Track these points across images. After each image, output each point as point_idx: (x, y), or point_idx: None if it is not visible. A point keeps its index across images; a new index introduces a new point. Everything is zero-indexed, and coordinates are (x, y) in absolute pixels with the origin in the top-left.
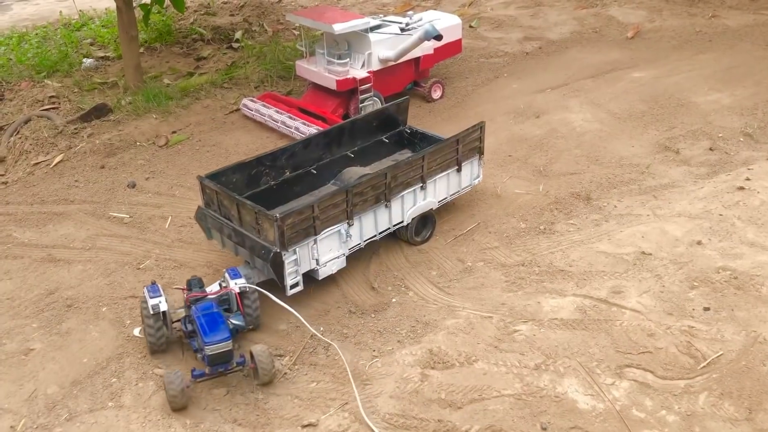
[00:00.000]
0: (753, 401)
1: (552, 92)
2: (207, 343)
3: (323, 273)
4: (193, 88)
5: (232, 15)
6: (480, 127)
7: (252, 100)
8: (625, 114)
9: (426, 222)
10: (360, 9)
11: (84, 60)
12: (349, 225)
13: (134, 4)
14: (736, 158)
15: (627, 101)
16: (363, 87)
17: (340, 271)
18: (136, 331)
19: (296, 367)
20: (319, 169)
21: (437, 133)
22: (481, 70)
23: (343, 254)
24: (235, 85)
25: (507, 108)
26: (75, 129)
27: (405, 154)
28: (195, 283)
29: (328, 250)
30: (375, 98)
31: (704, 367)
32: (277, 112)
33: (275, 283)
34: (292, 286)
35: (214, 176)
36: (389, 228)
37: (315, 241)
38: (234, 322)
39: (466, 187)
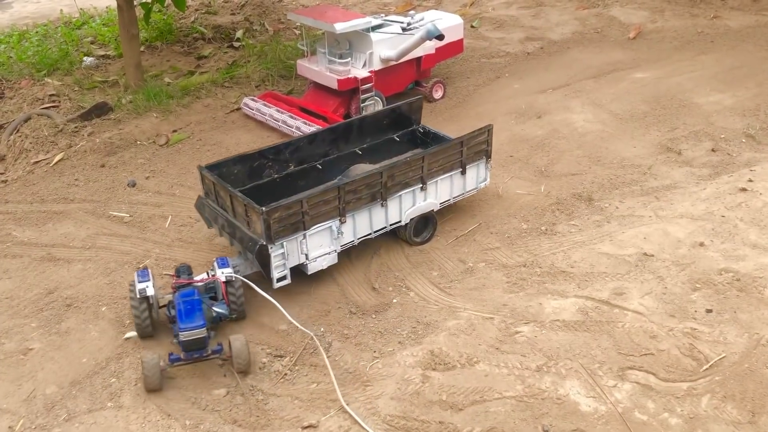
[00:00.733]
0: (756, 404)
1: (553, 93)
2: (182, 330)
3: (313, 268)
4: (194, 87)
5: (233, 14)
6: (487, 130)
7: (253, 99)
8: (627, 115)
9: (427, 223)
10: (361, 8)
11: (84, 58)
12: (342, 222)
13: (135, 3)
14: (738, 159)
15: (629, 102)
16: (364, 86)
17: (340, 272)
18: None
19: (296, 367)
20: (327, 166)
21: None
22: (483, 70)
23: (335, 251)
24: (236, 84)
25: (508, 108)
26: (75, 127)
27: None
28: (183, 270)
29: (318, 246)
30: (376, 98)
31: (707, 369)
32: (278, 111)
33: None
34: (279, 279)
35: (214, 167)
36: (385, 227)
37: (304, 236)
38: (217, 310)
39: (472, 189)
